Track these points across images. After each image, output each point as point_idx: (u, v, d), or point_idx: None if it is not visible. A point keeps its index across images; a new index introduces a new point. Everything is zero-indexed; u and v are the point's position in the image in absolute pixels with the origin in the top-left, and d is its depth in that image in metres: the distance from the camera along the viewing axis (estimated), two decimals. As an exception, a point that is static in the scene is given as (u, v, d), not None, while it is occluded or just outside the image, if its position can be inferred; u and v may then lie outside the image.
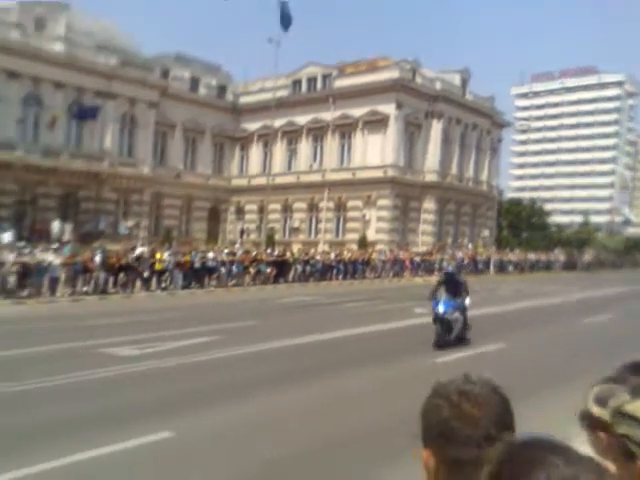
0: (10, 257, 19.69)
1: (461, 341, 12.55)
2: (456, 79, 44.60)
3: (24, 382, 8.66)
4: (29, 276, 19.55)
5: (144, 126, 39.44)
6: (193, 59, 44.85)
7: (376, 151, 39.55)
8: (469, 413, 1.08)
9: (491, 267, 38.69)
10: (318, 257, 30.13)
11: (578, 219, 79.60)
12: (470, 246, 41.40)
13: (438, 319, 12.25)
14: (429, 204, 41.25)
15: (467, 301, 13.14)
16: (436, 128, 41.45)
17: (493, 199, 48.12)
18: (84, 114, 35.91)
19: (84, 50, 35.99)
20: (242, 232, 42.67)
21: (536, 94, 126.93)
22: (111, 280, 21.66)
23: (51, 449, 5.96)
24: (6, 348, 11.21)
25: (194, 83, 44.08)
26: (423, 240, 40.53)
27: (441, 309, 12.33)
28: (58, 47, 35.05)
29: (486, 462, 0.94)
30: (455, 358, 11.09)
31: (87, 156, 36.31)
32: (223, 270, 25.24)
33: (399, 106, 39.33)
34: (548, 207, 70.56)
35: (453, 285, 13.14)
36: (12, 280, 19.32)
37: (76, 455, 5.82)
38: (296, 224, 42.62)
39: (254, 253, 27.96)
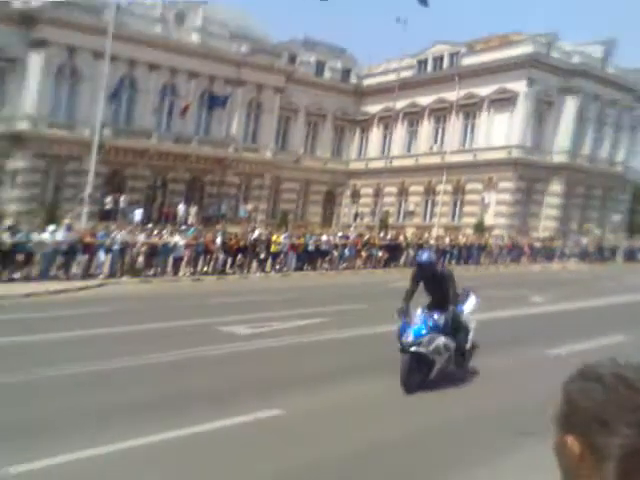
0: (141, 238, 21.25)
1: (453, 372, 8.35)
2: (598, 51, 41.15)
3: (144, 356, 9.29)
4: (156, 256, 21.01)
5: (269, 111, 40.58)
6: (320, 43, 45.37)
7: (501, 131, 38.00)
8: (627, 398, 1.02)
9: (619, 255, 36.20)
10: (432, 241, 29.71)
11: None
12: (597, 232, 38.91)
13: (407, 352, 7.76)
14: (556, 186, 39.03)
15: (469, 307, 8.73)
16: (570, 105, 38.81)
17: (628, 181, 44.66)
18: (214, 103, 37.58)
19: (218, 40, 37.55)
20: (356, 215, 42.90)
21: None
22: (229, 261, 22.70)
23: (164, 421, 6.35)
24: (129, 324, 12.10)
25: (320, 67, 44.71)
26: (545, 225, 38.59)
27: (410, 336, 7.73)
28: (195, 38, 36.86)
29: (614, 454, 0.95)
30: (569, 351, 10.47)
31: (214, 142, 38.00)
32: (336, 253, 25.63)
33: (530, 83, 37.34)
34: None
35: (434, 284, 8.29)
36: (140, 260, 20.90)
37: (188, 428, 6.17)
38: (411, 207, 42.17)
39: (366, 237, 28.12)
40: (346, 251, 26.02)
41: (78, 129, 32.72)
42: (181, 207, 34.28)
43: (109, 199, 32.27)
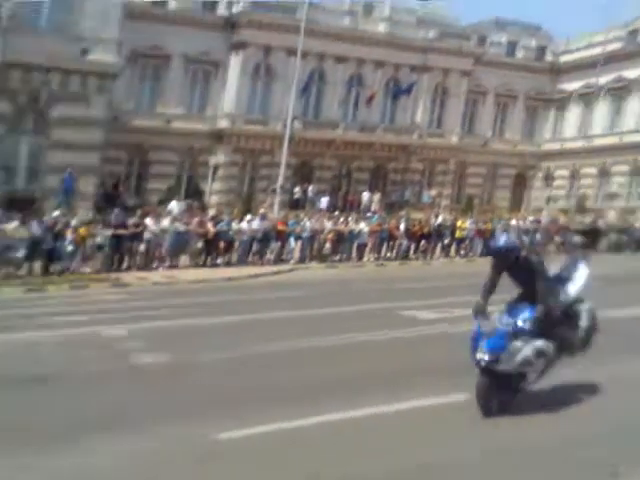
0: (328, 225, 22.18)
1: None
2: None
3: (328, 337, 9.70)
4: (341, 243, 21.77)
5: (455, 95, 39.76)
6: (512, 22, 43.40)
7: None
8: None
9: None
10: (638, 224, 27.10)
11: None
12: None
13: (484, 371, 6.08)
14: None
15: (577, 283, 6.48)
16: None
17: None
18: (400, 92, 37.73)
19: (404, 27, 37.61)
20: (548, 199, 40.43)
21: None
22: (412, 247, 22.73)
23: (342, 400, 6.58)
24: (319, 307, 12.74)
25: (511, 47, 42.78)
26: None
27: (485, 352, 5.94)
28: (382, 28, 37.28)
29: None
30: None
31: (398, 130, 38.16)
32: (525, 238, 24.42)
33: None
34: None
35: (520, 273, 6.35)
36: (327, 246, 21.79)
37: (374, 408, 6.36)
38: (614, 189, 38.67)
39: (561, 221, 26.44)
40: (537, 236, 24.69)
41: (271, 124, 34.82)
42: (365, 194, 34.98)
43: (298, 189, 33.98)
